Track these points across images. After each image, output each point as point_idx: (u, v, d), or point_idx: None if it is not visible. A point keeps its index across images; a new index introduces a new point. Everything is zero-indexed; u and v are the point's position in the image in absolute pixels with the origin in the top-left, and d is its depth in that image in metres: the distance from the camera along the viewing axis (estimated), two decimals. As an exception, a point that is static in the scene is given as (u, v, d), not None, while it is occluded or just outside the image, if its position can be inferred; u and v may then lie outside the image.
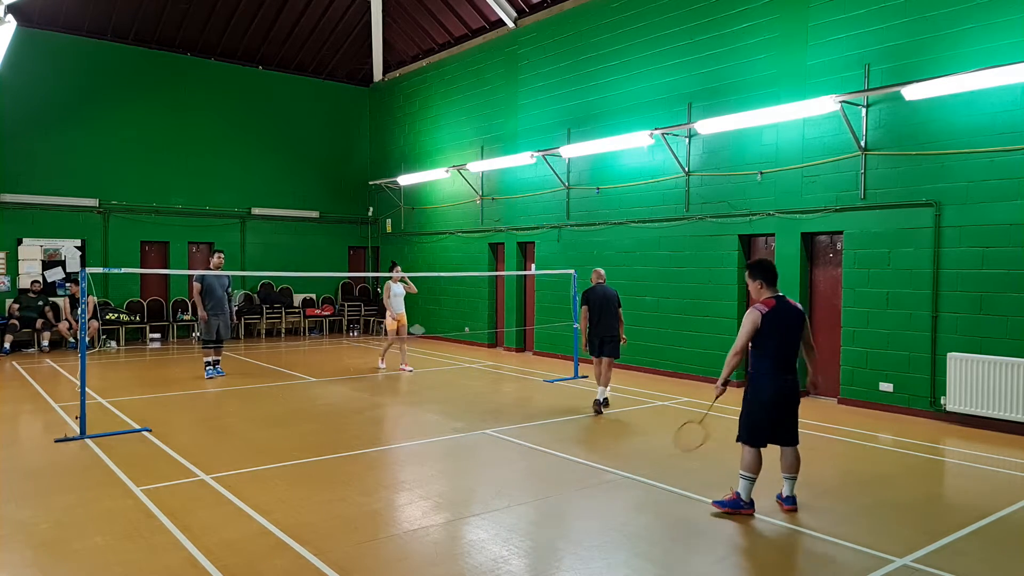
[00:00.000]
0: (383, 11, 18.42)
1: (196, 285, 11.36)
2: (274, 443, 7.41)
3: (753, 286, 5.46)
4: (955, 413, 8.44)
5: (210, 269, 11.46)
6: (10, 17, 9.72)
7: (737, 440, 5.46)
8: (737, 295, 10.83)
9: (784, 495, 5.48)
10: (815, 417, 8.86)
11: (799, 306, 5.44)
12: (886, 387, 9.13)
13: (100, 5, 15.73)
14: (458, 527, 5.13)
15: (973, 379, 8.24)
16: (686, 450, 6.04)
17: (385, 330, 13.13)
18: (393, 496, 5.82)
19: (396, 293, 12.56)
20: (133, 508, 5.39)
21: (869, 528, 5.08)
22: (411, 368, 12.60)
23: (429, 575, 4.33)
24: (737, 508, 5.32)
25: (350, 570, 4.34)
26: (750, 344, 5.37)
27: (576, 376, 11.62)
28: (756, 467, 5.32)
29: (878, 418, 8.78)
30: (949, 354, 8.48)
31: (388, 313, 12.58)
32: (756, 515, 5.33)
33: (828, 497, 5.79)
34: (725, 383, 5.46)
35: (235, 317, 12.72)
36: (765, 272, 5.41)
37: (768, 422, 5.32)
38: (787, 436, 5.39)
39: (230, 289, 11.84)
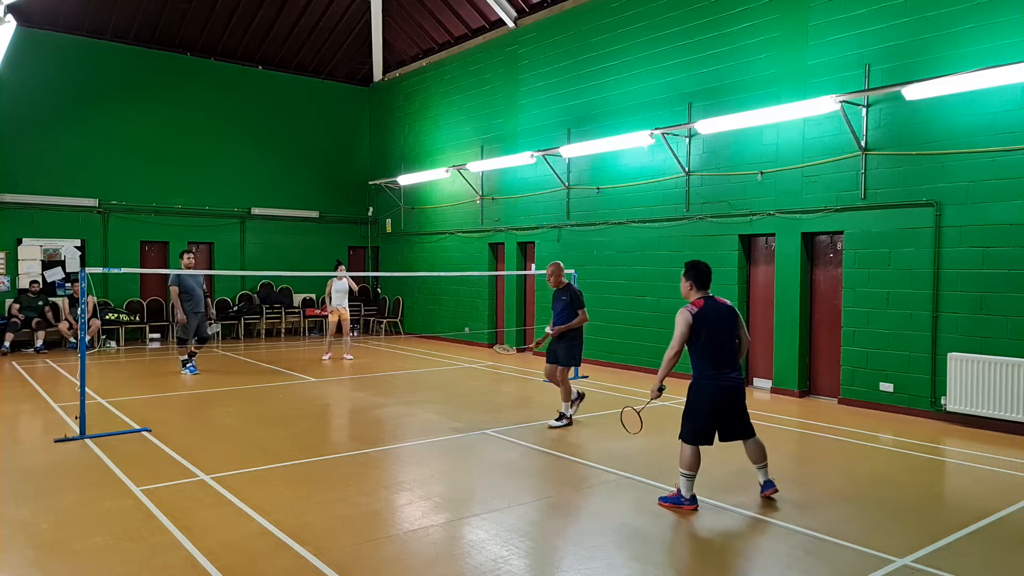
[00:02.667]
0: (383, 11, 18.42)
1: (174, 288, 11.44)
2: (274, 443, 7.41)
3: (684, 285, 5.71)
4: (955, 413, 8.43)
5: (182, 270, 11.46)
6: (10, 17, 9.71)
7: (679, 438, 5.56)
8: (737, 295, 10.82)
9: (761, 482, 5.62)
10: (815, 417, 8.86)
11: (729, 304, 5.65)
12: (886, 387, 9.13)
13: (100, 5, 15.73)
14: (458, 527, 5.12)
15: (973, 379, 8.23)
16: (631, 431, 6.35)
17: (326, 325, 14.33)
18: (393, 496, 5.82)
19: (338, 290, 13.52)
20: (133, 508, 5.38)
21: (869, 528, 5.08)
22: (351, 356, 13.75)
23: (429, 575, 4.33)
24: (678, 504, 5.46)
25: (350, 570, 4.34)
26: (688, 347, 5.53)
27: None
28: (695, 465, 5.45)
29: (878, 418, 8.78)
30: (949, 354, 8.47)
31: (328, 307, 13.61)
32: (756, 516, 5.33)
33: (828, 497, 5.79)
34: (661, 387, 5.59)
35: (214, 314, 12.87)
36: (698, 274, 5.63)
37: (710, 422, 5.47)
38: (740, 431, 5.56)
39: (205, 288, 11.96)
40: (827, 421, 8.62)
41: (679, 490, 5.50)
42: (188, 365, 11.76)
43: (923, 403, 8.81)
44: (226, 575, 4.25)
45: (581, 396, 8.50)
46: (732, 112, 10.49)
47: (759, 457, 5.58)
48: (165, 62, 17.01)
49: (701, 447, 5.50)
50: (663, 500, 5.56)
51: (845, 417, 8.83)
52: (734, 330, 5.58)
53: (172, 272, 10.96)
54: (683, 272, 5.72)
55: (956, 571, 4.37)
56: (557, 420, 8.24)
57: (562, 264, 8.69)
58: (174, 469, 6.42)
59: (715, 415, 5.47)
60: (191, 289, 11.53)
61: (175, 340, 12.04)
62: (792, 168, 10.13)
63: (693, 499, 5.47)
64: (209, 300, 12.28)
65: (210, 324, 12.20)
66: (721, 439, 5.55)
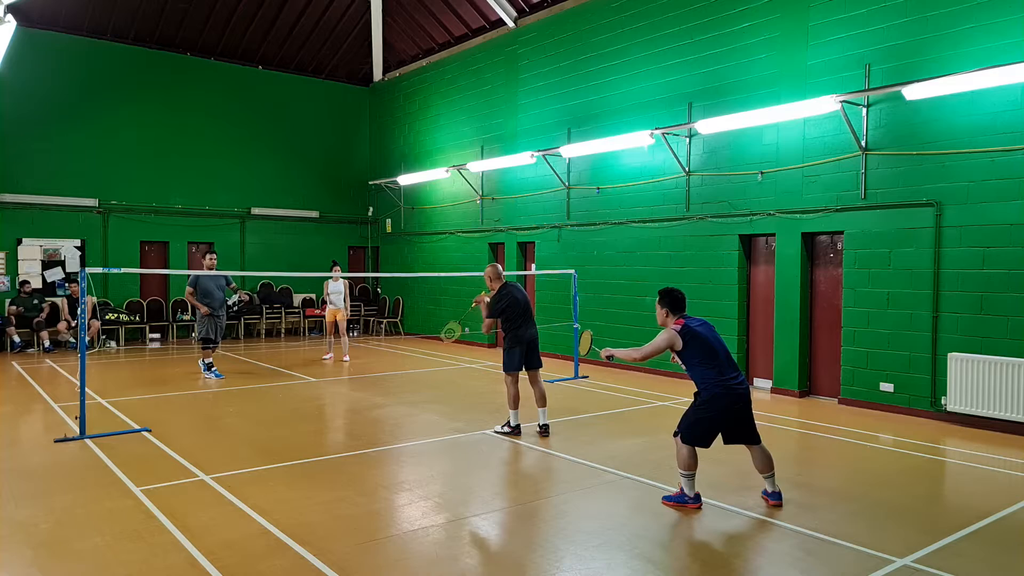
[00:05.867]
0: (383, 11, 18.42)
1: (189, 289, 11.29)
2: (274, 443, 7.41)
3: (660, 313, 5.78)
4: (956, 413, 8.43)
5: (203, 271, 11.33)
6: (10, 17, 9.71)
7: (675, 435, 5.60)
8: (737, 295, 10.82)
9: (768, 491, 5.59)
10: (816, 417, 8.86)
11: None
12: (887, 387, 9.12)
13: (100, 5, 15.73)
14: (458, 527, 5.12)
15: (974, 379, 8.23)
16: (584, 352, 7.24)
17: (324, 325, 14.49)
18: (393, 496, 5.82)
19: (333, 291, 13.54)
20: (133, 508, 5.38)
21: (869, 528, 5.08)
22: (348, 358, 13.78)
23: (429, 575, 4.33)
24: (682, 503, 5.49)
25: (350, 570, 4.34)
26: (684, 366, 5.59)
27: (576, 376, 11.61)
28: (693, 464, 5.48)
29: (879, 418, 8.78)
30: (950, 354, 8.47)
31: (325, 308, 13.72)
32: (756, 516, 5.33)
33: (828, 497, 5.79)
34: (610, 358, 5.85)
35: (245, 296, 12.93)
36: (672, 300, 5.70)
37: (717, 428, 5.48)
38: (746, 437, 5.54)
39: (234, 285, 11.84)
40: (827, 421, 8.62)
41: (682, 489, 5.51)
42: (212, 370, 11.42)
43: (923, 403, 8.81)
44: (226, 575, 4.25)
45: (514, 429, 7.75)
46: (732, 112, 10.48)
47: (766, 466, 5.54)
48: (165, 62, 17.01)
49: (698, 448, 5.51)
50: (667, 499, 5.57)
51: (845, 417, 8.83)
52: (717, 334, 5.64)
53: (192, 273, 10.88)
54: (657, 300, 5.77)
55: (956, 571, 4.37)
56: (501, 427, 7.86)
57: (498, 267, 8.04)
58: (174, 469, 6.42)
59: (724, 422, 5.47)
60: (209, 292, 11.21)
61: (199, 342, 11.59)
62: (792, 168, 10.13)
63: (697, 497, 5.48)
64: (236, 297, 12.40)
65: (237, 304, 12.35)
66: (725, 442, 5.56)
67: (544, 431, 7.74)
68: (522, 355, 7.69)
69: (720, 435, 5.53)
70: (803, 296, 10.18)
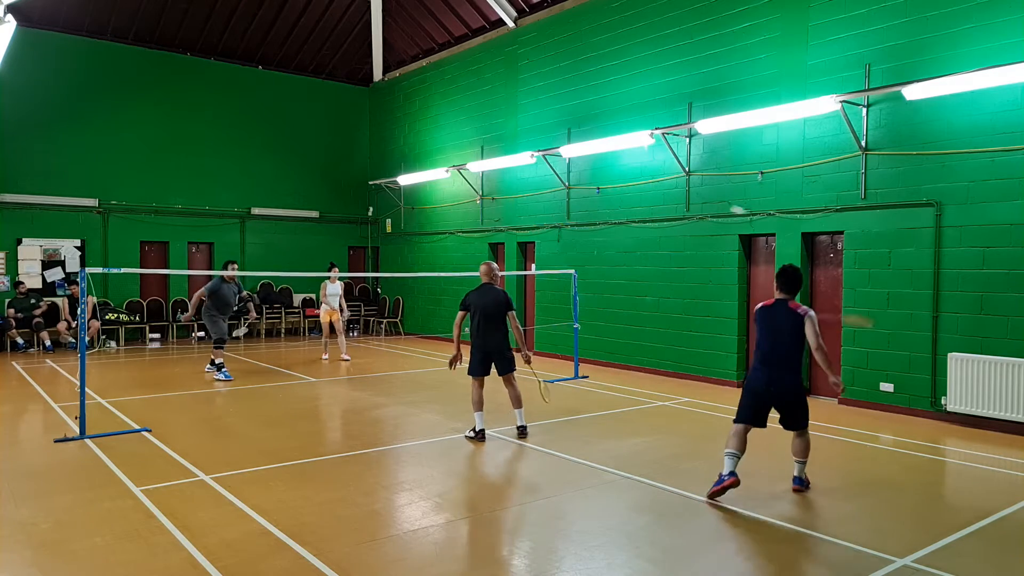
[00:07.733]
0: (383, 11, 18.42)
1: (202, 292, 11.32)
2: (274, 443, 7.41)
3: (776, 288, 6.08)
4: (956, 413, 8.43)
5: (225, 280, 11.32)
6: (10, 17, 9.71)
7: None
8: (737, 295, 10.82)
9: (794, 474, 5.91)
10: (816, 417, 8.82)
11: (800, 310, 5.76)
12: (887, 387, 9.12)
13: (100, 5, 15.73)
14: (458, 527, 5.12)
15: (974, 379, 8.23)
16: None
17: (319, 325, 14.61)
18: (393, 496, 5.82)
19: (331, 292, 13.65)
20: (133, 508, 5.38)
21: (869, 528, 5.08)
22: (348, 357, 13.78)
23: (429, 575, 4.33)
24: (720, 483, 5.59)
25: (350, 570, 4.34)
26: None
27: (576, 376, 11.61)
28: (734, 444, 5.66)
29: (879, 418, 8.78)
30: (950, 354, 8.47)
31: (322, 308, 13.75)
32: (757, 516, 5.33)
33: (828, 497, 5.79)
34: (835, 373, 5.85)
35: (255, 309, 13.17)
36: (784, 279, 5.99)
37: (747, 406, 5.79)
38: (786, 423, 5.84)
39: (245, 294, 12.07)
40: (827, 421, 8.62)
41: (720, 475, 5.64)
42: (223, 371, 11.29)
43: (923, 403, 8.81)
44: (226, 575, 4.25)
45: (478, 434, 7.62)
46: (732, 112, 10.48)
47: (797, 452, 5.87)
48: (165, 62, 17.01)
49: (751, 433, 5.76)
50: (713, 488, 5.58)
51: (845, 417, 8.83)
52: (788, 333, 5.72)
53: (216, 276, 11.00)
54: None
55: (956, 571, 4.37)
56: (468, 431, 7.77)
57: (492, 265, 7.85)
58: (174, 469, 6.42)
59: (750, 402, 5.77)
60: (227, 303, 11.37)
61: (212, 341, 11.50)
62: (792, 168, 10.13)
63: (732, 474, 5.55)
64: (249, 301, 12.72)
65: (246, 321, 12.61)
66: (755, 424, 5.81)
67: (522, 432, 7.72)
68: (480, 360, 7.66)
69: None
70: (803, 296, 10.17)
